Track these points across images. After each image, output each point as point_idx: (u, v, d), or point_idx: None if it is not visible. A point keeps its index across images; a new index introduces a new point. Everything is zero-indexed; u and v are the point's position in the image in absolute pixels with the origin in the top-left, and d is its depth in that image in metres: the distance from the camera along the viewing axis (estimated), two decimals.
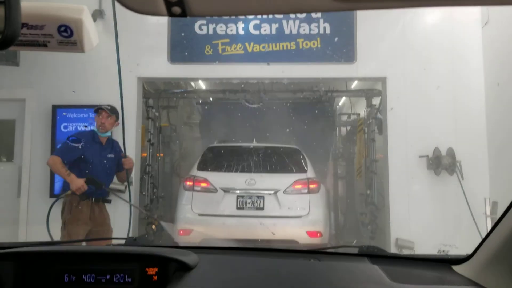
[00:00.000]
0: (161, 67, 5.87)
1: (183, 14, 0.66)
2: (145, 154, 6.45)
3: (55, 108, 5.67)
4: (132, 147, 5.74)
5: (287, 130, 7.08)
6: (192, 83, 7.30)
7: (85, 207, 3.98)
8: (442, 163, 5.55)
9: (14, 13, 0.83)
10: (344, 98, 8.30)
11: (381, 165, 6.36)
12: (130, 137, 5.73)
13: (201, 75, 6.22)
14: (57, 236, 3.94)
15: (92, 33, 1.28)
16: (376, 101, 6.77)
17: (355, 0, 0.64)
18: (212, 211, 4.99)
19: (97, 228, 4.02)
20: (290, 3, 0.65)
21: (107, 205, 4.20)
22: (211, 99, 7.74)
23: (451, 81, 5.68)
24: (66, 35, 1.21)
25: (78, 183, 3.87)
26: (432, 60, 5.74)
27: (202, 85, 7.58)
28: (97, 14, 5.61)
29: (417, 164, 5.70)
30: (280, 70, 5.80)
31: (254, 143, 5.89)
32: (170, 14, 0.66)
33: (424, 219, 5.50)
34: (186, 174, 5.67)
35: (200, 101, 7.99)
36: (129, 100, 5.69)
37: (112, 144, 4.31)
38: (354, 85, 7.35)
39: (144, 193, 6.38)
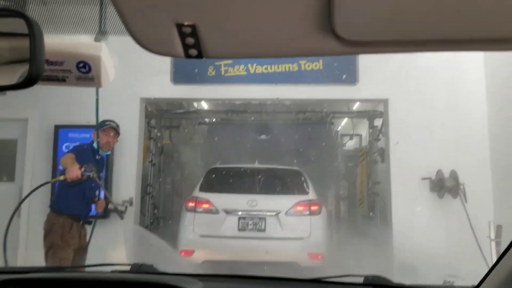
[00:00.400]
0: (164, 87, 5.90)
1: (199, 56, 0.70)
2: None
3: (58, 128, 5.68)
4: (133, 167, 5.74)
5: (289, 151, 7.08)
6: (195, 104, 7.32)
7: (75, 231, 3.80)
8: (445, 186, 5.51)
9: (38, 52, 0.86)
10: (346, 119, 8.31)
11: (384, 187, 6.32)
12: (131, 157, 5.76)
13: (203, 96, 6.24)
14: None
15: (109, 68, 1.29)
16: (378, 122, 6.76)
17: (361, 45, 0.67)
18: (214, 233, 5.02)
19: (79, 252, 3.81)
20: (299, 48, 0.70)
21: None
22: (213, 119, 7.75)
23: (454, 102, 5.68)
24: (85, 71, 1.23)
25: (75, 170, 3.54)
26: (434, 82, 5.75)
27: (204, 105, 7.60)
28: (100, 37, 5.66)
29: (420, 186, 5.66)
30: (283, 91, 5.82)
31: (256, 165, 5.95)
32: (187, 56, 0.70)
33: (428, 242, 5.40)
34: (188, 194, 5.69)
35: (203, 122, 8.00)
36: (131, 121, 5.74)
37: (103, 162, 4.26)
38: (356, 106, 7.36)
39: (145, 214, 6.34)
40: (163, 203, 7.38)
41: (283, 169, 5.81)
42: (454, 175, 5.51)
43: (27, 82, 0.88)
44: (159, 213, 6.88)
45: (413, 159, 5.66)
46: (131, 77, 5.59)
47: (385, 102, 5.93)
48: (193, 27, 0.65)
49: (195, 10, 0.63)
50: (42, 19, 5.05)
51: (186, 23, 0.64)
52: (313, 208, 5.18)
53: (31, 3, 5.20)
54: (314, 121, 7.45)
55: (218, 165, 6.11)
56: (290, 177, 5.64)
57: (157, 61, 5.85)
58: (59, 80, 1.26)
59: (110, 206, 4.29)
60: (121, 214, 4.15)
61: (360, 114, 7.12)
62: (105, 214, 4.87)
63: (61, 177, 3.68)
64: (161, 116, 7.02)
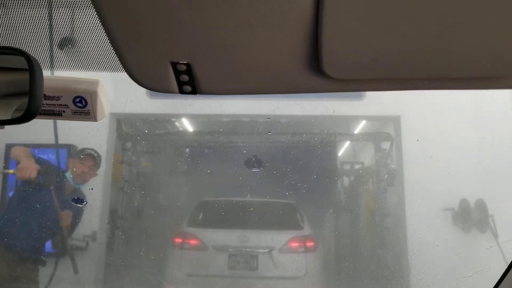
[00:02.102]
0: (139, 102, 5.06)
1: (193, 92, 0.78)
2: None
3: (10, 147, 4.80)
4: (98, 194, 4.88)
5: (283, 179, 6.34)
6: (177, 124, 6.50)
7: None
8: (470, 218, 4.75)
9: (38, 89, 0.97)
10: (347, 143, 7.54)
11: (395, 220, 5.52)
12: (97, 184, 4.87)
13: (184, 112, 5.44)
14: None
15: (105, 103, 1.33)
16: (385, 145, 6.03)
17: (348, 83, 0.73)
18: (202, 272, 4.88)
19: None
20: (288, 86, 0.77)
21: None
22: (198, 143, 6.92)
23: (479, 116, 4.94)
24: (81, 106, 1.28)
25: (32, 167, 3.09)
26: (453, 97, 5.00)
27: (189, 127, 6.78)
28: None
29: (441, 219, 4.91)
30: (276, 106, 5.05)
31: (248, 198, 5.69)
32: (182, 92, 0.78)
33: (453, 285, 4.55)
34: (170, 229, 5.44)
35: (187, 145, 7.17)
36: (97, 140, 4.90)
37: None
38: (358, 130, 6.63)
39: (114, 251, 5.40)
40: (139, 239, 6.42)
41: (276, 202, 5.61)
42: (481, 205, 4.76)
43: (25, 116, 0.96)
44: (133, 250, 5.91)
45: (431, 185, 4.88)
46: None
47: (396, 120, 5.19)
48: (187, 65, 0.71)
49: (190, 49, 0.69)
50: None
51: (181, 61, 0.70)
52: (309, 244, 5.12)
53: None
54: (313, 144, 6.68)
55: (207, 198, 5.83)
56: (283, 211, 5.49)
57: None
58: (56, 114, 1.29)
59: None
60: (74, 265, 3.30)
61: (365, 136, 6.39)
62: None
63: (10, 171, 3.28)
64: (137, 139, 6.16)
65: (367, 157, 6.76)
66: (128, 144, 6.11)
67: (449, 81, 0.71)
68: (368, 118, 5.77)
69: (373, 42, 0.64)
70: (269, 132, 5.75)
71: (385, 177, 5.92)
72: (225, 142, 6.36)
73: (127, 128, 6.00)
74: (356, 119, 6.17)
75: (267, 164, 6.47)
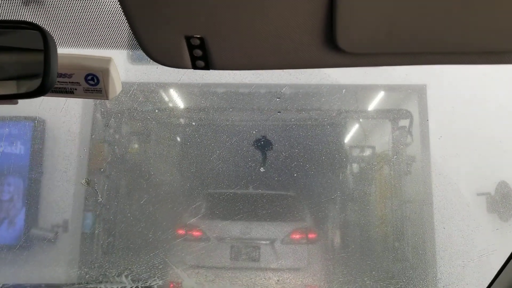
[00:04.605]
0: (118, 68, 4.34)
1: (206, 67, 0.80)
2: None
3: None
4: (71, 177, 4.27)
5: (287, 166, 5.78)
6: (166, 98, 5.79)
7: None
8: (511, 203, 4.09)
9: (53, 64, 0.97)
10: (358, 125, 6.90)
11: (417, 207, 4.88)
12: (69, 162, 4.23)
13: (172, 80, 4.75)
14: None
15: (117, 81, 1.34)
16: (404, 123, 5.39)
17: (361, 57, 0.75)
18: (204, 263, 4.95)
19: None
20: (302, 60, 0.77)
21: None
22: (193, 122, 6.22)
23: None
24: (93, 83, 1.29)
25: None
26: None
27: (180, 103, 6.07)
28: None
29: (474, 206, 4.23)
30: (281, 74, 4.39)
31: (250, 190, 5.57)
32: (195, 67, 0.81)
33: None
34: (164, 219, 5.29)
35: (178, 124, 6.47)
36: (73, 113, 4.25)
37: None
38: (373, 105, 5.97)
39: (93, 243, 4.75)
40: (125, 229, 5.76)
41: (278, 194, 5.58)
42: None
43: (39, 91, 0.97)
44: (115, 242, 5.26)
45: (462, 166, 4.24)
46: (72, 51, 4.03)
47: (420, 89, 4.52)
48: (201, 39, 0.73)
49: (204, 23, 0.70)
50: None
51: (195, 35, 0.72)
52: (311, 236, 5.24)
53: None
54: (320, 122, 6.02)
55: (208, 190, 5.65)
56: (285, 202, 5.51)
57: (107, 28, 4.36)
58: (68, 92, 1.29)
59: None
60: None
61: (380, 114, 5.75)
62: None
63: None
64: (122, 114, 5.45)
65: (378, 140, 6.15)
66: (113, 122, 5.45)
67: (463, 55, 0.72)
68: (388, 87, 5.13)
69: (387, 16, 0.64)
70: (279, 112, 5.62)
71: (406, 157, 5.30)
72: (222, 120, 5.72)
73: (112, 106, 5.30)
74: (375, 88, 5.54)
75: (269, 143, 5.90)
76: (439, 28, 0.65)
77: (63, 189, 4.35)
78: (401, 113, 5.53)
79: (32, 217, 4.26)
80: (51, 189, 4.43)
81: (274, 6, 0.65)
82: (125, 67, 4.43)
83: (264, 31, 0.69)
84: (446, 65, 0.75)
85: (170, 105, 5.88)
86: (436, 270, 4.39)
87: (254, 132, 5.62)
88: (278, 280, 4.80)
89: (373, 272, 5.23)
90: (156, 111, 5.68)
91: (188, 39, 0.71)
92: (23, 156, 4.29)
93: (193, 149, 5.88)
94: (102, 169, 5.03)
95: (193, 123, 6.31)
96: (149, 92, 5.34)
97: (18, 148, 4.29)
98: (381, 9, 0.64)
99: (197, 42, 0.71)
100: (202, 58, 0.75)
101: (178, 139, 6.52)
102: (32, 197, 4.26)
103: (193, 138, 6.38)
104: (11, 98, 1.08)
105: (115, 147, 5.52)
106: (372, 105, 5.99)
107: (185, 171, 5.75)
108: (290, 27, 0.68)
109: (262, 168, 5.76)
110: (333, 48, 0.69)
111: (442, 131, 4.47)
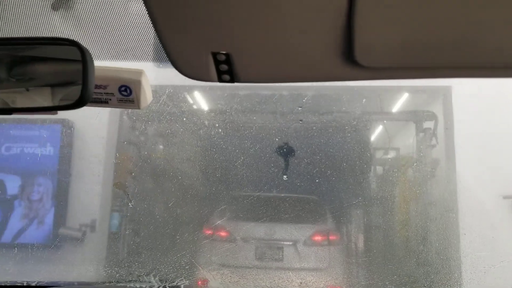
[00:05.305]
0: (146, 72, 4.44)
1: (231, 80, 0.84)
2: None
3: None
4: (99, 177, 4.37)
5: (309, 169, 5.78)
6: (191, 100, 5.87)
7: None
8: None
9: (90, 77, 1.02)
10: (381, 127, 6.82)
11: (440, 210, 4.82)
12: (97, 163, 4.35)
13: (197, 83, 4.78)
14: None
15: (148, 92, 1.40)
16: (428, 125, 5.32)
17: (379, 71, 0.78)
18: (230, 262, 5.07)
19: None
20: (321, 74, 0.82)
21: None
22: (216, 124, 6.28)
23: None
24: (126, 94, 1.35)
25: None
26: None
27: (204, 105, 6.14)
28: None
29: (500, 209, 4.18)
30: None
31: (274, 193, 5.67)
32: (220, 80, 0.84)
33: None
34: (190, 221, 5.44)
35: (202, 126, 6.54)
36: (100, 116, 4.36)
37: None
38: (397, 107, 5.90)
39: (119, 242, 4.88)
40: (152, 229, 5.86)
41: (301, 197, 5.68)
42: None
43: (79, 103, 1.02)
44: (144, 242, 5.39)
45: (488, 168, 4.18)
46: (100, 58, 4.15)
47: (445, 91, 4.46)
48: (227, 55, 0.77)
49: (230, 40, 0.75)
50: None
51: (221, 52, 0.76)
52: (332, 238, 5.32)
53: None
54: (343, 125, 5.97)
55: (233, 192, 5.77)
56: (308, 205, 5.58)
57: (135, 33, 4.46)
58: (103, 102, 1.36)
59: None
60: None
61: (404, 116, 5.68)
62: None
63: None
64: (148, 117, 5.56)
65: (402, 142, 6.07)
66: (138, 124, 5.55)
67: (479, 70, 0.73)
68: (412, 88, 5.06)
69: (404, 31, 0.67)
70: (300, 121, 5.71)
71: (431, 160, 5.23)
72: (244, 122, 5.75)
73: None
74: (398, 90, 5.47)
75: (291, 147, 5.89)
76: (455, 43, 0.66)
77: (95, 191, 4.48)
78: (426, 114, 5.46)
79: (61, 217, 4.39)
80: (85, 191, 4.56)
81: (295, 23, 0.68)
82: (153, 71, 4.51)
83: (286, 47, 0.73)
84: (465, 78, 0.75)
85: (195, 107, 5.98)
86: (460, 275, 4.32)
87: (276, 139, 5.71)
88: (301, 283, 4.81)
89: (395, 276, 5.16)
90: (184, 117, 5.82)
91: (214, 55, 0.75)
92: (52, 157, 4.42)
93: (218, 154, 5.99)
94: (132, 173, 5.21)
95: (217, 125, 6.38)
96: (176, 94, 5.47)
97: (48, 150, 4.42)
98: (398, 25, 0.66)
99: (223, 57, 0.75)
100: (227, 73, 0.79)
101: (204, 143, 6.61)
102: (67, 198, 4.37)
103: (218, 143, 6.46)
104: (53, 110, 1.15)
105: (144, 151, 5.67)
106: (396, 107, 5.93)
107: (211, 176, 5.82)
108: (311, 43, 0.71)
109: (284, 176, 5.81)
110: (351, 62, 0.71)
111: (468, 132, 4.41)
